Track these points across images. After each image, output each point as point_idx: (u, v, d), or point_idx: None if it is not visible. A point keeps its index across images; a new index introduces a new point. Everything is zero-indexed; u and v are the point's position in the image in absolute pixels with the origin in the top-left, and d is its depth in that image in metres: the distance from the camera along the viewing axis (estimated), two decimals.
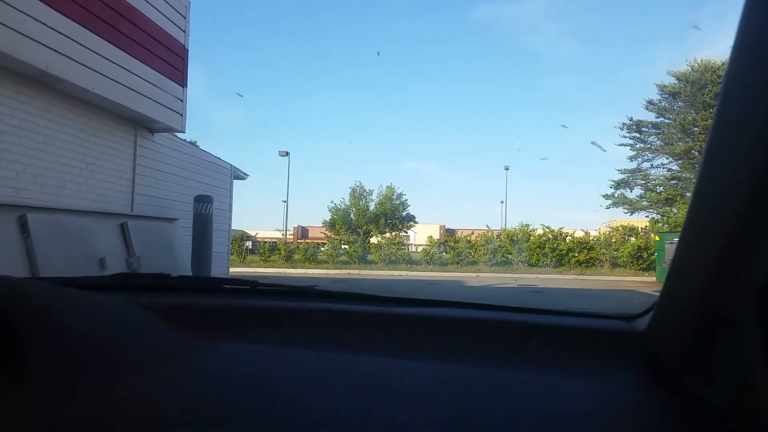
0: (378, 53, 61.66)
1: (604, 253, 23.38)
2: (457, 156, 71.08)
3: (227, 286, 1.47)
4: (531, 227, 25.31)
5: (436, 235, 32.67)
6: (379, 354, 1.03)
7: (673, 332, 0.86)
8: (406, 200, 36.51)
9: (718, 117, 0.61)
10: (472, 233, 27.51)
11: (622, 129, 32.02)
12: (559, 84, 59.78)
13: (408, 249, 30.29)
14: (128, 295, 1.27)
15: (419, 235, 37.71)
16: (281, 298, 1.39)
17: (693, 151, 29.97)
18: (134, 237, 6.36)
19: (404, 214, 36.31)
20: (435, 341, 1.09)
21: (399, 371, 0.94)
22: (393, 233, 32.12)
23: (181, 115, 8.86)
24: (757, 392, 0.66)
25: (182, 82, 8.90)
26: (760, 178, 0.54)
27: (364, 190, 36.32)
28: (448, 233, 37.35)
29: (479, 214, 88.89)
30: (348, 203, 36.23)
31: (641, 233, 24.46)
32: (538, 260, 23.81)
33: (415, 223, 37.82)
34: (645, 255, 22.28)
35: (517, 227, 25.80)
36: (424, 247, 26.59)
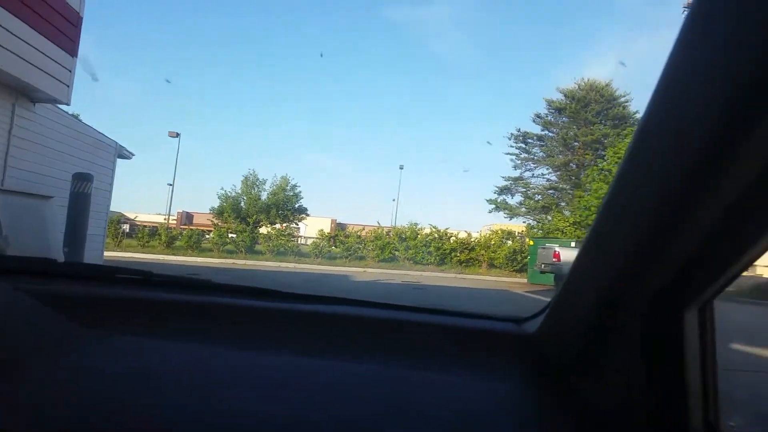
0: (321, 55, 59.55)
1: (483, 254, 24.81)
2: (355, 152, 71.55)
3: (120, 276, 1.35)
4: (419, 226, 26.30)
5: (327, 229, 32.81)
6: (281, 351, 1.03)
7: (563, 336, 0.89)
8: (300, 192, 36.25)
9: (633, 144, 0.61)
10: (363, 229, 27.99)
11: (510, 138, 34.13)
12: (459, 90, 62.12)
13: (298, 241, 30.23)
14: (10, 280, 1.19)
15: (310, 228, 37.57)
16: (178, 290, 1.30)
17: (571, 164, 32.55)
18: (2, 214, 5.96)
19: (297, 205, 36.01)
20: (335, 339, 1.09)
21: (298, 369, 0.94)
22: (284, 224, 31.87)
23: (68, 87, 8.31)
24: (637, 396, 0.72)
25: (73, 51, 8.35)
26: (661, 205, 0.58)
27: (257, 179, 35.58)
28: (339, 227, 37.65)
29: (371, 211, 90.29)
30: (239, 191, 35.33)
31: (517, 237, 26.24)
32: (423, 258, 24.76)
33: (307, 215, 37.64)
34: (519, 258, 23.92)
35: (406, 225, 26.69)
36: (315, 240, 26.70)
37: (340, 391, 0.86)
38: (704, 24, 0.49)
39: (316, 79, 63.85)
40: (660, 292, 0.67)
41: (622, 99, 31.91)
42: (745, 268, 0.61)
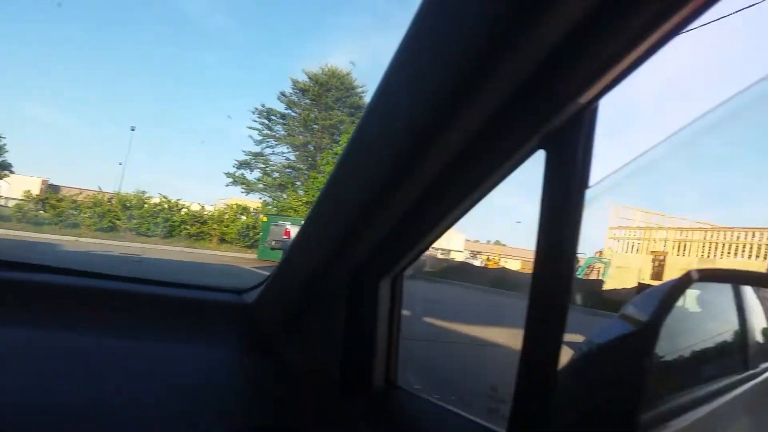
0: (59, 5, 48.56)
1: (215, 228, 24.28)
2: (77, 107, 62.04)
3: None
4: (148, 194, 24.43)
5: (37, 191, 28.46)
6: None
7: (279, 305, 0.98)
8: (5, 145, 30.62)
9: (348, 148, 0.72)
10: (81, 193, 24.99)
11: (254, 113, 33.85)
12: (206, 57, 58.86)
13: None
14: None
15: (14, 188, 32.17)
16: None
17: (309, 145, 33.81)
18: None
19: None
20: (60, 311, 1.06)
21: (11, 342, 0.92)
22: None
23: None
24: (334, 356, 0.82)
25: None
26: (364, 200, 0.70)
27: None
28: (52, 190, 32.97)
29: (94, 174, 79.11)
30: None
31: (252, 213, 26.28)
32: (149, 229, 23.23)
33: (12, 172, 32.06)
34: (252, 233, 24.07)
35: (132, 193, 24.64)
36: (19, 202, 22.94)
37: (55, 364, 0.85)
38: (415, 45, 0.57)
39: (41, 23, 54.02)
40: (361, 265, 0.79)
41: (359, 89, 34.03)
42: (425, 250, 0.78)
